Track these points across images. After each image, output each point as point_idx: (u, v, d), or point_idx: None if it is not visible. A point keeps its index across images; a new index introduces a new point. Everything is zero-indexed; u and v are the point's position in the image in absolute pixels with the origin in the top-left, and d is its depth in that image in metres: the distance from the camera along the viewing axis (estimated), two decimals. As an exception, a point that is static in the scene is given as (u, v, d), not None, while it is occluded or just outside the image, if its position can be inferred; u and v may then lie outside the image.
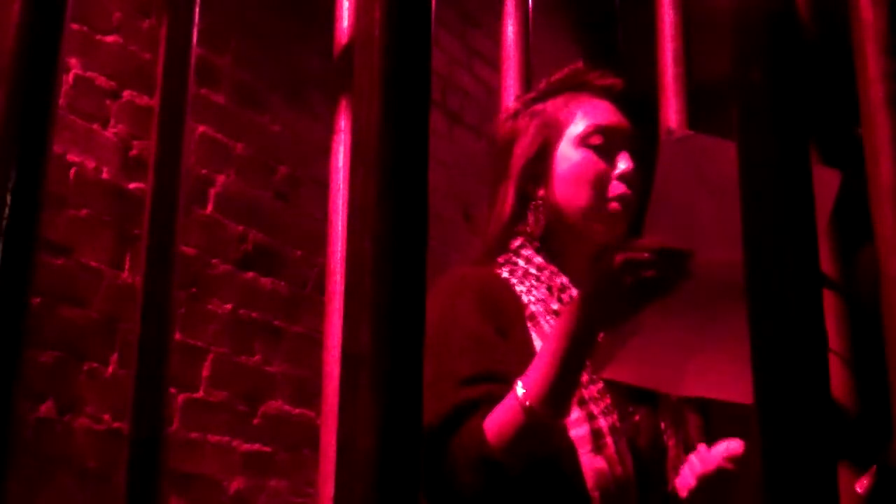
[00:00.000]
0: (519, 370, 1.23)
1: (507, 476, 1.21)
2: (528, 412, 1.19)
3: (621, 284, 1.15)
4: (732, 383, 1.19)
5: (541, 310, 1.38)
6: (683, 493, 1.36)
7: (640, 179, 1.44)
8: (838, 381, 0.90)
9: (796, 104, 0.58)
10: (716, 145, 1.12)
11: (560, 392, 1.20)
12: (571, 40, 4.83)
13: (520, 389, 1.20)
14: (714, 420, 1.56)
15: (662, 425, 1.43)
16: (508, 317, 1.35)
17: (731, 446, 1.36)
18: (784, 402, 0.54)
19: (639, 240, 1.17)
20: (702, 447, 1.38)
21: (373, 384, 0.56)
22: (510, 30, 1.72)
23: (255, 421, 3.17)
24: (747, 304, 0.57)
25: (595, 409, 1.33)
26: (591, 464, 1.29)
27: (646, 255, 1.14)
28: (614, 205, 1.41)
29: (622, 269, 1.15)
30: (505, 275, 1.42)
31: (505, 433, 1.20)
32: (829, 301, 0.91)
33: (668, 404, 1.44)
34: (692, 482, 1.35)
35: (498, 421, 1.21)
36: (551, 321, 1.37)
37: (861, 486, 0.92)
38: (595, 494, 1.28)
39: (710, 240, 1.13)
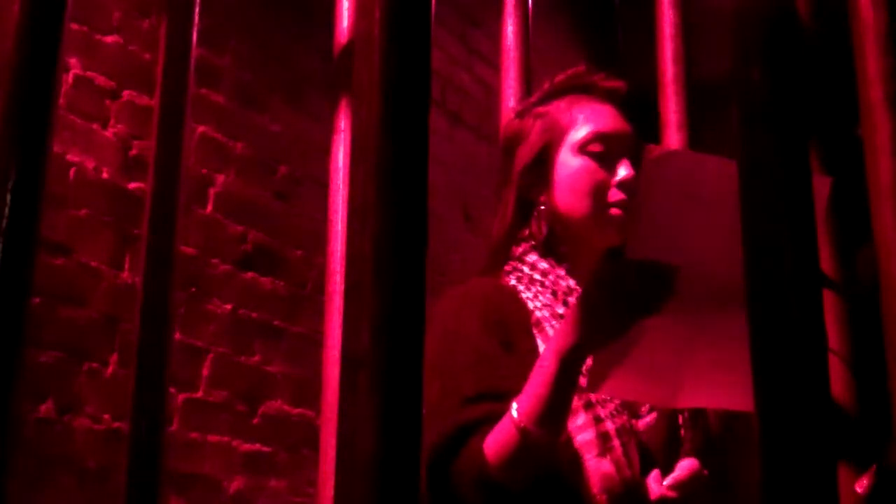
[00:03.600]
0: (524, 383, 1.23)
1: (509, 494, 1.22)
2: (523, 433, 1.19)
3: (606, 304, 1.15)
4: (730, 392, 1.19)
5: (546, 315, 1.38)
6: None
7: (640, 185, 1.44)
8: (838, 381, 0.90)
9: (796, 104, 0.58)
10: (698, 160, 1.12)
11: (554, 411, 1.20)
12: (571, 40, 4.83)
13: (514, 410, 1.20)
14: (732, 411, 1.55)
15: (680, 419, 1.42)
16: (514, 328, 1.35)
17: (680, 468, 1.34)
18: (784, 402, 0.54)
19: (623, 257, 1.17)
20: (654, 473, 1.36)
21: (372, 385, 0.56)
22: (510, 30, 1.72)
23: (255, 421, 3.17)
24: (747, 304, 0.57)
25: (602, 412, 1.32)
26: (598, 468, 1.29)
27: (631, 273, 1.14)
28: (614, 211, 1.41)
29: (607, 288, 1.15)
30: (512, 282, 1.42)
31: (502, 454, 1.20)
32: (829, 301, 0.91)
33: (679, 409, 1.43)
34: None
35: (495, 442, 1.22)
36: (556, 326, 1.36)
37: (861, 486, 0.92)
38: (602, 498, 1.28)
39: (699, 253, 1.13)
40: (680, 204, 1.12)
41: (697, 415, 1.43)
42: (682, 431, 1.42)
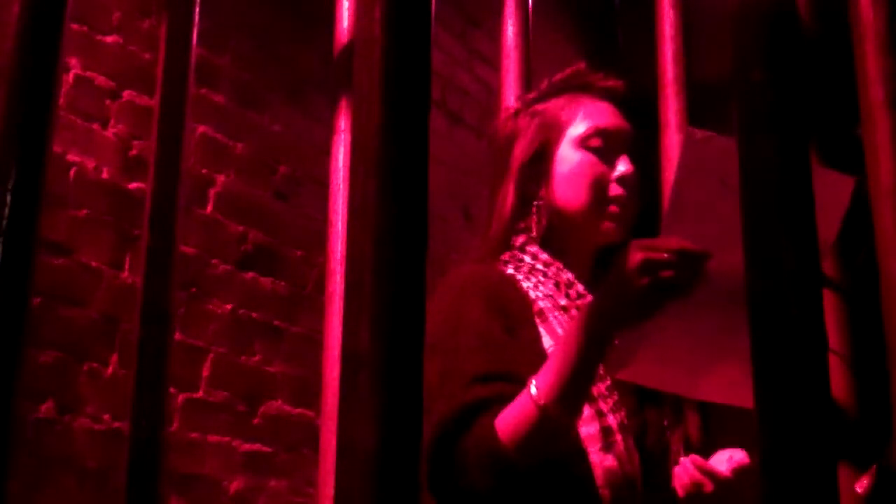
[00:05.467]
0: (528, 368, 1.23)
1: (518, 474, 1.21)
2: (542, 411, 1.19)
3: (638, 285, 1.14)
4: (748, 390, 1.19)
5: (549, 305, 1.38)
6: (681, 493, 1.36)
7: (638, 182, 1.44)
8: (838, 381, 0.90)
9: (796, 104, 0.58)
10: (735, 147, 1.12)
11: (574, 392, 1.20)
12: (571, 40, 4.83)
13: (533, 388, 1.20)
14: (712, 417, 1.56)
15: (665, 422, 1.43)
16: (516, 314, 1.35)
17: (735, 457, 1.36)
18: (784, 402, 0.54)
19: (657, 239, 1.17)
20: (689, 458, 1.38)
21: (373, 384, 0.56)
22: (510, 30, 1.72)
23: (255, 421, 3.17)
24: (747, 304, 0.57)
25: (604, 407, 1.33)
26: (601, 462, 1.29)
27: (664, 255, 1.14)
28: (613, 207, 1.41)
29: (640, 269, 1.14)
30: (510, 271, 1.42)
31: (518, 432, 1.20)
32: (829, 301, 0.91)
33: (670, 400, 1.44)
34: (686, 483, 1.36)
35: (510, 420, 1.21)
36: (559, 317, 1.37)
37: (861, 486, 0.92)
38: (605, 492, 1.28)
39: (729, 242, 1.12)
40: (715, 189, 1.11)
41: (679, 418, 1.44)
42: (667, 433, 1.43)
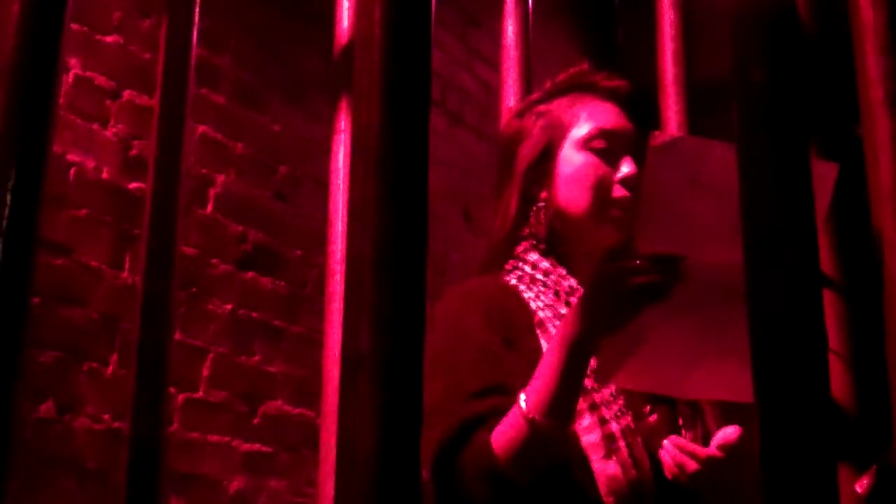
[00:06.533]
0: (527, 380, 1.24)
1: (516, 488, 1.22)
2: (532, 424, 1.19)
3: (613, 291, 1.15)
4: (738, 384, 1.19)
5: (549, 315, 1.38)
6: (668, 476, 1.35)
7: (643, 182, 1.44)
8: (838, 381, 0.90)
9: (796, 104, 0.58)
10: (703, 146, 1.12)
11: (562, 402, 1.20)
12: (571, 40, 4.83)
13: (522, 402, 1.20)
14: (729, 412, 1.55)
15: (680, 420, 1.42)
16: (517, 326, 1.35)
17: (725, 433, 1.34)
18: (784, 402, 0.54)
19: (629, 248, 1.18)
20: (669, 439, 1.36)
21: (373, 384, 0.56)
22: (510, 30, 1.72)
23: (255, 421, 3.17)
24: (747, 304, 0.57)
25: (607, 414, 1.33)
26: (604, 469, 1.29)
27: (636, 261, 1.14)
28: (616, 209, 1.41)
29: (614, 276, 1.15)
30: (513, 282, 1.42)
31: (511, 446, 1.21)
32: (829, 301, 0.91)
33: (684, 399, 1.43)
34: (670, 464, 1.34)
35: (503, 434, 1.22)
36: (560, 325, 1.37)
37: (861, 486, 0.92)
38: (609, 500, 1.27)
39: (707, 242, 1.12)
40: (686, 190, 1.12)
41: (696, 415, 1.43)
42: (682, 432, 1.42)
